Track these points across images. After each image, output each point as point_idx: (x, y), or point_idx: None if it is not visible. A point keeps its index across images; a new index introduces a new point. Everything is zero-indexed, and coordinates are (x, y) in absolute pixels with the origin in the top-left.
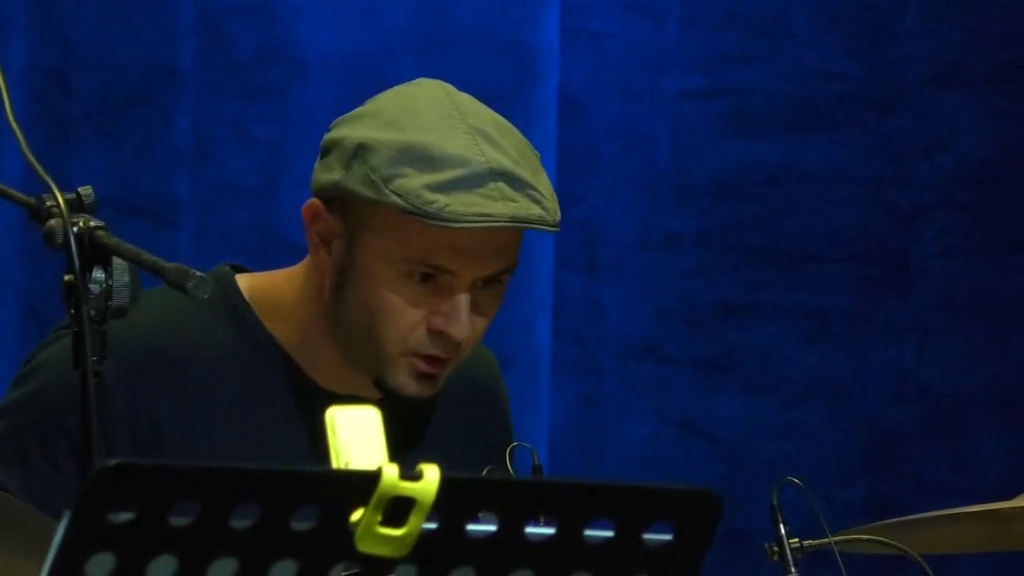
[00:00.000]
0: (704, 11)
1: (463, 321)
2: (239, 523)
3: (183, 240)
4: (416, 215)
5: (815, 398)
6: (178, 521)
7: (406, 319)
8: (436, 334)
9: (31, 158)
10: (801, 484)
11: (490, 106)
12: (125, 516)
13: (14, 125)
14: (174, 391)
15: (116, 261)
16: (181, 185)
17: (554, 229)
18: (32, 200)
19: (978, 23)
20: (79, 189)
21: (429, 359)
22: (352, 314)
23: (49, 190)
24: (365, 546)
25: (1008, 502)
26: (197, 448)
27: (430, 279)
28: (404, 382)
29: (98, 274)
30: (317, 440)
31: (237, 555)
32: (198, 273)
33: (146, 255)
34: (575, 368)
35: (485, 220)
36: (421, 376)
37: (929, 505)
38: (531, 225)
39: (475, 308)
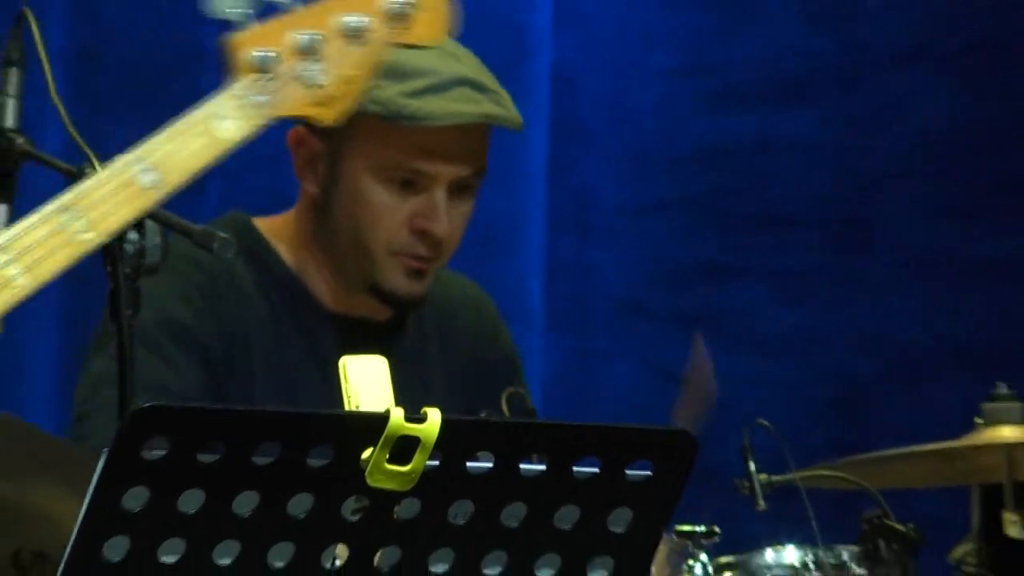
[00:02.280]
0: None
1: (442, 218)
2: (260, 460)
3: (208, 204)
4: (394, 119)
5: (786, 350)
6: (205, 458)
7: (390, 222)
8: (419, 233)
9: (72, 130)
10: (770, 426)
11: None
12: (158, 453)
13: (56, 100)
14: (214, 334)
15: (148, 224)
16: None
17: (517, 128)
18: (73, 169)
19: (936, 6)
20: (115, 157)
21: (416, 257)
22: (340, 225)
23: (88, 160)
24: (374, 481)
25: (956, 441)
26: (232, 369)
27: (409, 184)
28: (396, 282)
29: (132, 235)
30: (326, 359)
31: (259, 489)
32: (223, 235)
33: (175, 218)
34: (567, 323)
35: (455, 118)
36: (411, 273)
37: (887, 446)
38: (496, 122)
39: (451, 210)
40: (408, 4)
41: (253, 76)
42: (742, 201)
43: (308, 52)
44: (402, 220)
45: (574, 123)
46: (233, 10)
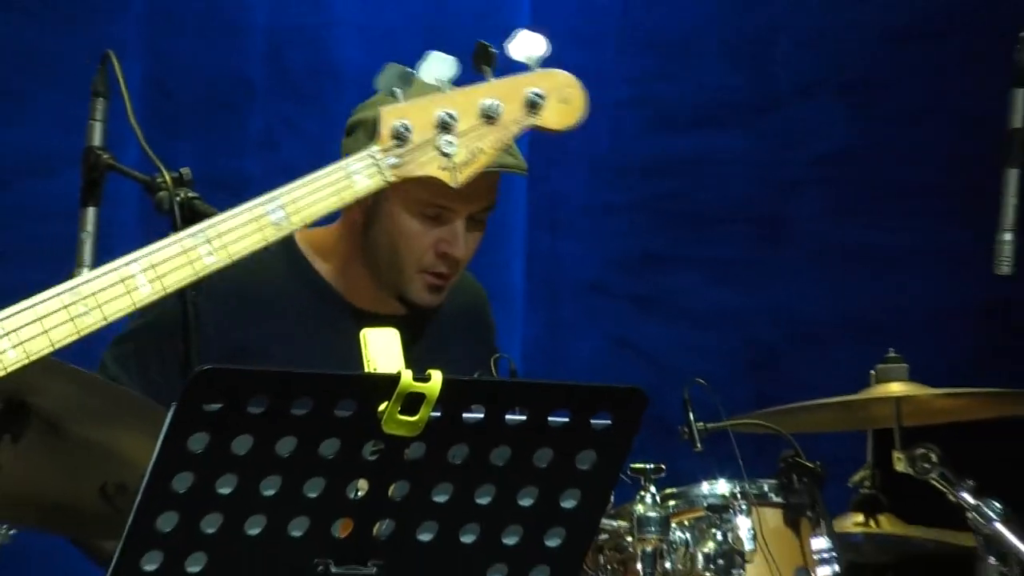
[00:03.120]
0: (631, 41)
1: (461, 244)
2: (297, 411)
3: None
4: None
5: (716, 323)
6: (253, 410)
7: (419, 245)
8: (441, 256)
9: (145, 147)
10: (705, 384)
11: None
12: (215, 406)
13: (134, 124)
14: (249, 317)
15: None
16: (252, 166)
17: (524, 173)
18: (147, 178)
19: (833, 48)
20: (180, 170)
21: (437, 275)
22: (379, 246)
23: (159, 170)
24: (389, 428)
25: (854, 395)
26: (268, 356)
27: (435, 218)
28: (420, 294)
29: None
30: (353, 346)
31: (296, 435)
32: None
33: None
34: (542, 302)
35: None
36: (432, 288)
37: (798, 399)
38: (509, 170)
39: (467, 237)
40: (542, 95)
41: (391, 142)
42: (679, 204)
43: (443, 127)
44: (428, 245)
45: (547, 144)
46: (391, 86)
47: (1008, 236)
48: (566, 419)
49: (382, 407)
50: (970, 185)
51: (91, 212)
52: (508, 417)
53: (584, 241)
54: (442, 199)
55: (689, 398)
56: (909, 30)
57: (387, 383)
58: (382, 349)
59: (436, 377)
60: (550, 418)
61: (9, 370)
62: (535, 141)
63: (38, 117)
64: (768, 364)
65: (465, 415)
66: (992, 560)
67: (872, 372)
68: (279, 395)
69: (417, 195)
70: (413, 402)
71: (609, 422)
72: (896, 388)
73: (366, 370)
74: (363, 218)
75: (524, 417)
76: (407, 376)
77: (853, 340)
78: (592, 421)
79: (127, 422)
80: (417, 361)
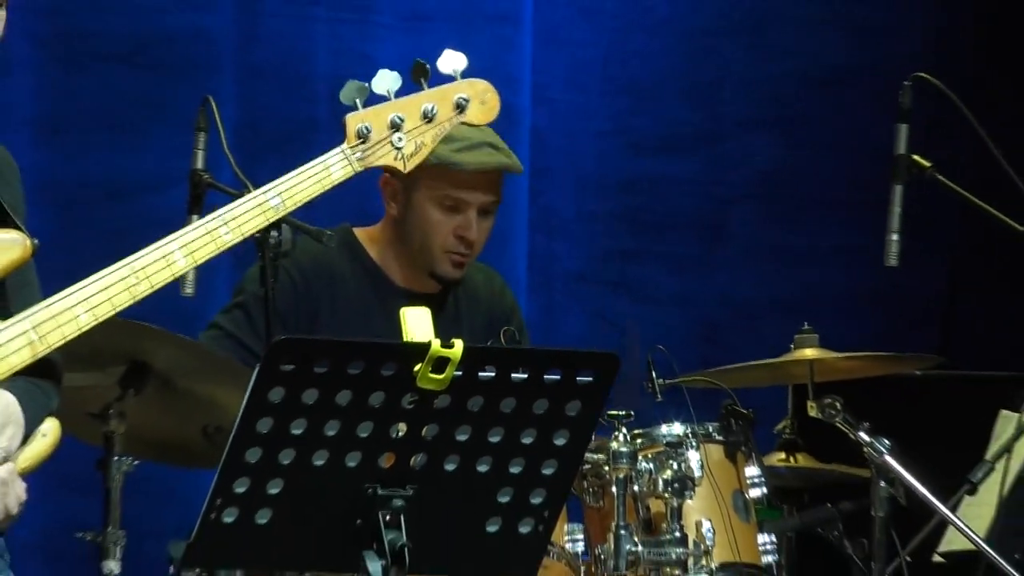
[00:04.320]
0: (610, 86)
1: (474, 229)
2: (352, 370)
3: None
4: (444, 166)
5: (672, 304)
6: (318, 369)
7: (442, 231)
8: (459, 238)
9: (236, 169)
10: (664, 349)
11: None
12: (289, 366)
13: (227, 151)
14: (319, 292)
15: (284, 226)
16: None
17: (519, 172)
18: (237, 192)
19: (763, 93)
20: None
21: (458, 254)
22: (413, 234)
23: (246, 186)
24: (422, 384)
25: (778, 358)
26: (332, 322)
27: (454, 208)
28: (446, 269)
29: (274, 233)
30: (394, 316)
31: (351, 388)
32: (328, 232)
33: (300, 223)
34: (540, 288)
35: (482, 166)
36: (455, 264)
37: (737, 361)
38: (508, 169)
39: (479, 224)
40: (465, 99)
41: (356, 141)
42: (645, 213)
43: (394, 126)
44: (449, 230)
45: (544, 165)
46: (353, 99)
47: (895, 237)
48: (558, 377)
49: (417, 368)
50: (867, 198)
51: (195, 219)
52: (514, 375)
53: (572, 241)
54: (458, 193)
55: (652, 360)
56: (825, 78)
57: (421, 349)
58: (417, 323)
59: (458, 345)
60: (545, 376)
61: (83, 330)
62: (533, 165)
63: (154, 147)
64: (712, 335)
65: (480, 374)
66: (882, 484)
67: (792, 341)
68: (338, 358)
69: (439, 192)
70: (441, 364)
71: (591, 379)
72: (809, 353)
73: (405, 339)
74: (399, 214)
75: (526, 375)
76: (436, 344)
77: (777, 317)
78: (578, 378)
79: (221, 378)
80: (442, 328)
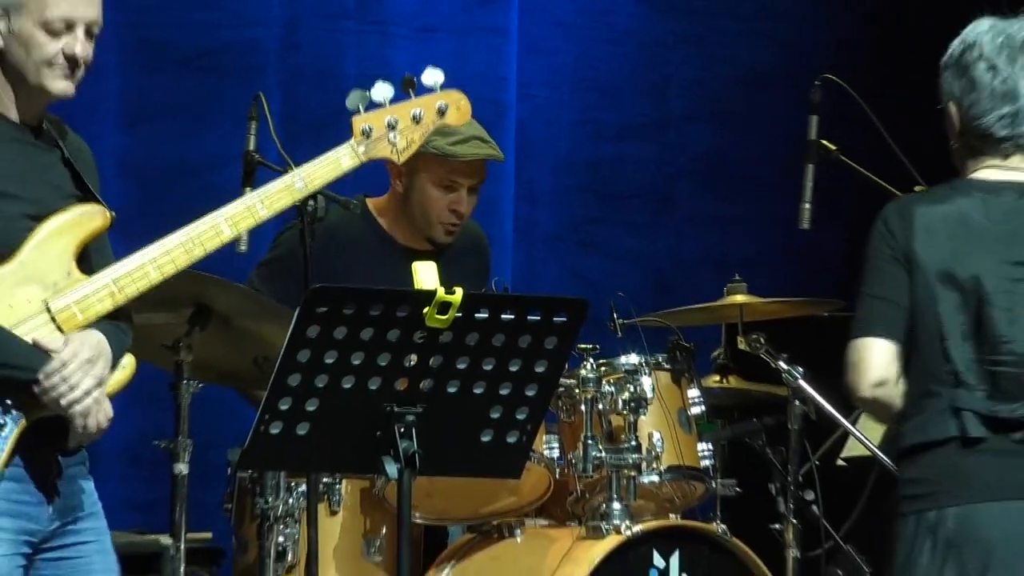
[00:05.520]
0: (580, 84)
1: (465, 204)
2: (373, 312)
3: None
4: (442, 156)
5: (629, 261)
6: (347, 311)
7: (439, 206)
8: (452, 211)
9: (282, 152)
10: (624, 295)
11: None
12: (323, 308)
13: (274, 136)
14: (337, 252)
15: (319, 197)
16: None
17: (501, 161)
18: (282, 170)
19: (705, 91)
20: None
21: (451, 224)
22: (415, 207)
23: (289, 165)
24: (430, 323)
25: (713, 303)
26: (348, 276)
27: (448, 188)
28: (441, 236)
29: (311, 202)
30: (399, 268)
31: (372, 326)
32: (355, 202)
33: (332, 194)
34: (523, 249)
35: (473, 156)
36: (447, 232)
37: (682, 304)
38: (493, 158)
39: (469, 200)
40: (445, 105)
41: (360, 138)
42: (609, 186)
43: (390, 127)
44: (444, 206)
45: (526, 149)
46: (356, 105)
47: (807, 205)
48: (538, 317)
49: (425, 310)
50: (786, 175)
51: (248, 191)
52: (503, 316)
53: (549, 209)
54: (453, 177)
55: (614, 305)
56: (752, 79)
57: (429, 295)
58: (426, 274)
59: (459, 291)
60: (528, 316)
61: (153, 284)
62: (519, 148)
63: (214, 134)
64: (662, 285)
65: (476, 315)
66: (797, 403)
67: (725, 289)
68: (362, 302)
69: (436, 173)
70: (444, 307)
71: (565, 319)
72: (739, 298)
73: (415, 287)
74: (403, 191)
75: (513, 316)
76: (441, 291)
77: (714, 270)
78: (554, 319)
79: (269, 318)
80: (446, 282)
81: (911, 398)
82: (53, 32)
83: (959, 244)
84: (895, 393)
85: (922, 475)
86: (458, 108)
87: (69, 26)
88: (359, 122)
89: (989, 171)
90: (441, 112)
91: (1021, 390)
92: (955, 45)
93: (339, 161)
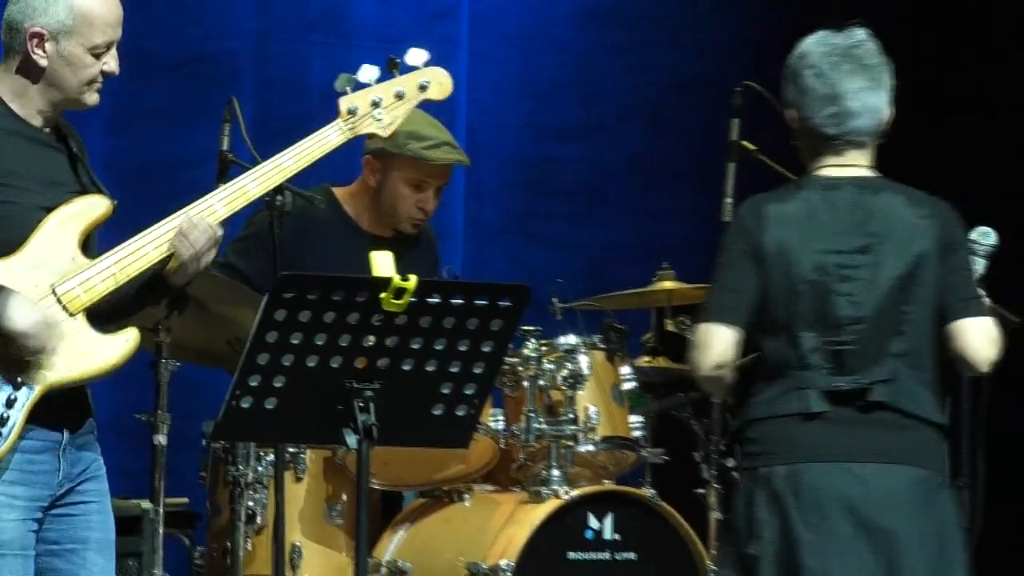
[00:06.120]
0: (526, 91)
1: (431, 203)
2: (336, 297)
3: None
4: (415, 159)
5: (569, 249)
6: (311, 296)
7: (408, 203)
8: (420, 209)
9: (253, 151)
10: (563, 282)
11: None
12: (290, 294)
13: (245, 137)
14: (307, 237)
15: (285, 191)
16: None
17: (468, 165)
18: (251, 166)
19: (635, 96)
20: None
21: (417, 220)
22: (386, 202)
23: (258, 162)
24: (386, 307)
25: (644, 288)
26: (316, 261)
27: (419, 187)
28: (407, 228)
29: (279, 197)
30: (364, 254)
31: (334, 310)
32: (319, 196)
33: (297, 189)
34: (472, 240)
35: (442, 161)
36: (414, 226)
37: (618, 290)
38: (460, 164)
39: (435, 199)
40: (427, 82)
41: (347, 116)
42: (549, 183)
43: (375, 105)
44: (413, 203)
45: (475, 149)
46: (344, 87)
47: (729, 200)
48: (485, 302)
49: (382, 295)
50: (710, 172)
51: (221, 185)
52: (453, 301)
53: (497, 204)
54: (423, 178)
55: (554, 290)
56: (679, 85)
57: (385, 282)
58: (383, 263)
59: (413, 279)
60: (476, 301)
61: (152, 263)
62: (469, 148)
63: (193, 135)
64: (598, 271)
65: (429, 300)
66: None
67: (654, 275)
68: (325, 288)
69: (409, 175)
70: (400, 292)
71: (509, 303)
72: (668, 284)
73: (373, 275)
74: (376, 185)
75: (462, 300)
76: (397, 278)
77: (645, 258)
78: (499, 303)
79: (241, 302)
80: (403, 268)
81: (762, 377)
82: (97, 55)
83: (805, 237)
84: (730, 374)
85: (759, 438)
86: (440, 84)
87: (108, 47)
88: (346, 102)
89: (829, 168)
90: (423, 88)
91: (861, 364)
92: (791, 56)
93: (327, 138)
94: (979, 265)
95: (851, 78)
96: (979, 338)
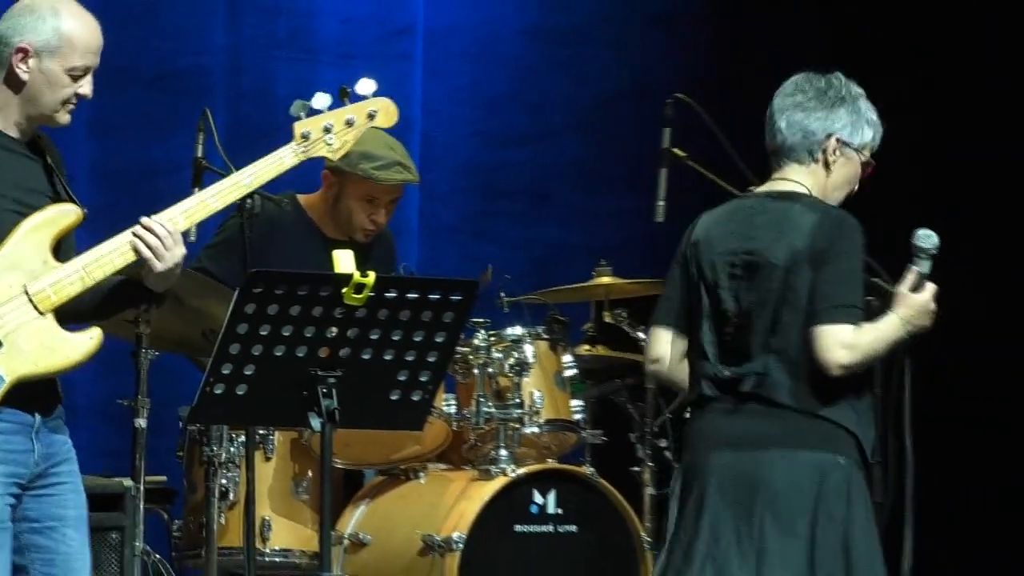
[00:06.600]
0: (477, 102)
1: (383, 216)
2: (301, 292)
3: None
4: (367, 178)
5: (517, 247)
6: (278, 291)
7: (362, 216)
8: (372, 221)
9: (225, 159)
10: (511, 277)
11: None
12: (259, 289)
13: (218, 145)
14: (272, 240)
15: (255, 196)
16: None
17: (418, 182)
18: (224, 173)
19: (578, 107)
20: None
21: (369, 230)
22: (342, 213)
23: (230, 170)
24: (348, 301)
25: (584, 283)
26: (280, 262)
27: (371, 203)
28: (360, 238)
29: (249, 201)
30: (325, 255)
31: (300, 304)
32: (285, 200)
33: (266, 194)
34: (427, 240)
35: (393, 180)
36: (366, 235)
37: (557, 285)
38: (411, 182)
39: (387, 212)
40: (375, 111)
41: (300, 139)
42: (500, 186)
43: (327, 130)
44: (366, 216)
45: (430, 156)
46: (299, 112)
47: (661, 202)
48: (438, 296)
49: (344, 290)
50: (645, 176)
51: (196, 191)
52: (408, 295)
53: (449, 205)
54: (375, 195)
55: (502, 285)
56: (617, 96)
57: (347, 278)
58: (344, 260)
59: (372, 275)
60: (429, 295)
61: (117, 268)
62: (424, 155)
63: (169, 143)
64: (544, 269)
65: (387, 294)
66: None
67: (593, 271)
68: (291, 283)
69: (362, 192)
70: (360, 287)
71: (460, 297)
72: (605, 280)
73: (336, 271)
74: (333, 198)
75: (416, 295)
76: (357, 274)
77: (586, 256)
78: (451, 297)
79: (214, 297)
80: (361, 266)
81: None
82: (74, 77)
83: (710, 240)
84: (668, 368)
85: (679, 434)
86: (386, 112)
87: (85, 72)
88: (300, 127)
89: (768, 183)
90: (371, 116)
91: (742, 354)
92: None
93: (282, 160)
94: (924, 266)
95: (789, 99)
96: (828, 344)
